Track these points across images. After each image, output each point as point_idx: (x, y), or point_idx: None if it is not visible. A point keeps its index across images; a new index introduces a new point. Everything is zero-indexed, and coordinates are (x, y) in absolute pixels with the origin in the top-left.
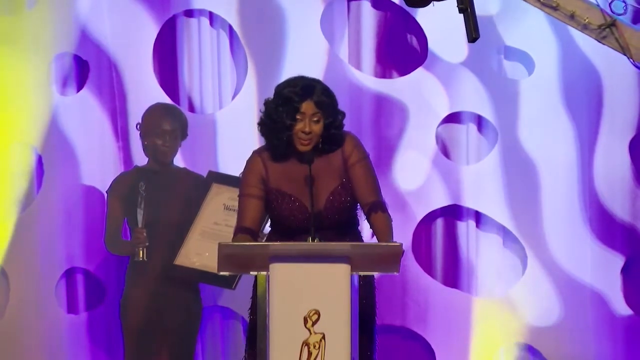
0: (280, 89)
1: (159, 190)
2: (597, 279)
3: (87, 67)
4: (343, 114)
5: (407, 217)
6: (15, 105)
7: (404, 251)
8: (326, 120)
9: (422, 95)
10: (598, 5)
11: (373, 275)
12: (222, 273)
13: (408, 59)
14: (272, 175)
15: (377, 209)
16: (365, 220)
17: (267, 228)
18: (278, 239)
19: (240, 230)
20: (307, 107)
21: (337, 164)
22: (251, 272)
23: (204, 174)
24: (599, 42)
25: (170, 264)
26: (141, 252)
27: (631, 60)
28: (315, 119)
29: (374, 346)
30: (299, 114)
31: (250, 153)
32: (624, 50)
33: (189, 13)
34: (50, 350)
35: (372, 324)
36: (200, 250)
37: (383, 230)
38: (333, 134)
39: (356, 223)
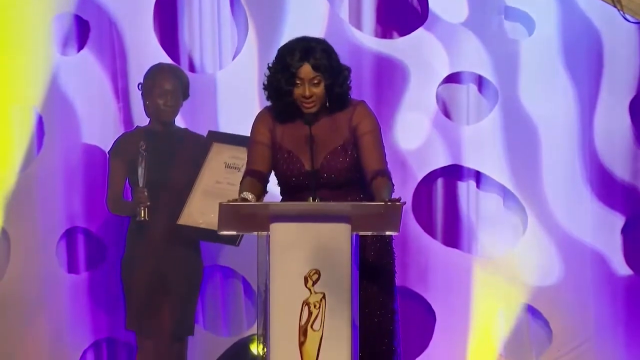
0: (280, 53)
1: (161, 150)
2: (598, 238)
3: (87, 27)
4: (348, 70)
5: (407, 177)
6: (16, 65)
7: (405, 203)
8: (326, 81)
9: (423, 56)
10: None
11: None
12: (222, 233)
13: (408, 19)
14: (279, 130)
15: (380, 175)
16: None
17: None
18: (282, 195)
19: (249, 173)
20: (305, 71)
21: (341, 127)
22: (252, 232)
23: (205, 133)
24: None
25: (173, 224)
26: (143, 211)
27: (621, 13)
28: (315, 82)
29: (396, 303)
30: (297, 79)
31: (250, 113)
32: (614, 2)
33: None
34: (51, 309)
35: (393, 281)
36: (203, 209)
37: (381, 190)
38: (337, 93)
39: (359, 184)
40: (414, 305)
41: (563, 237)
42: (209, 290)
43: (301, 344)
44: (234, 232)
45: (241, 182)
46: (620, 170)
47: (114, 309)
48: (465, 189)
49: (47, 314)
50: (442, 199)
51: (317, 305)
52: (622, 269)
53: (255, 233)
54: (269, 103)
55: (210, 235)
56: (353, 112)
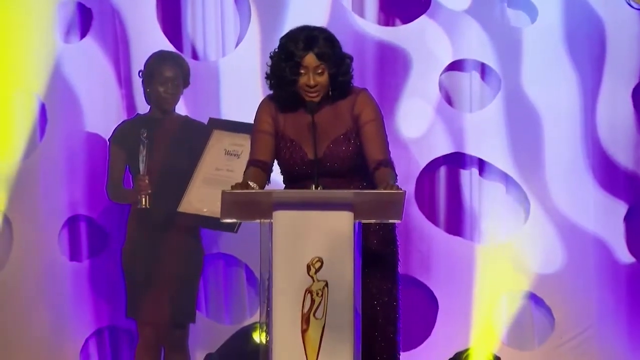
0: (283, 42)
1: (161, 138)
2: (600, 226)
3: (90, 14)
4: (350, 59)
5: (410, 165)
6: (19, 52)
7: (405, 192)
8: (330, 70)
9: (426, 43)
10: None
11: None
12: (224, 220)
13: (411, 6)
14: (281, 119)
15: (384, 166)
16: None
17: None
18: (285, 184)
19: (253, 163)
20: (309, 60)
21: (344, 115)
22: (255, 220)
23: (206, 121)
24: None
25: (173, 211)
26: (144, 199)
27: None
28: (319, 71)
29: (399, 291)
30: (302, 68)
31: (253, 101)
32: None
33: None
34: (53, 297)
35: (396, 268)
36: (203, 197)
37: (383, 181)
38: (341, 82)
39: (362, 172)
40: (417, 293)
41: (565, 224)
42: (212, 278)
43: (304, 332)
44: (236, 220)
45: (245, 172)
46: (623, 157)
47: (117, 297)
48: (468, 176)
49: (49, 302)
50: (445, 187)
51: (320, 293)
52: (625, 256)
53: (258, 221)
54: (271, 91)
55: (209, 222)
56: (355, 100)
